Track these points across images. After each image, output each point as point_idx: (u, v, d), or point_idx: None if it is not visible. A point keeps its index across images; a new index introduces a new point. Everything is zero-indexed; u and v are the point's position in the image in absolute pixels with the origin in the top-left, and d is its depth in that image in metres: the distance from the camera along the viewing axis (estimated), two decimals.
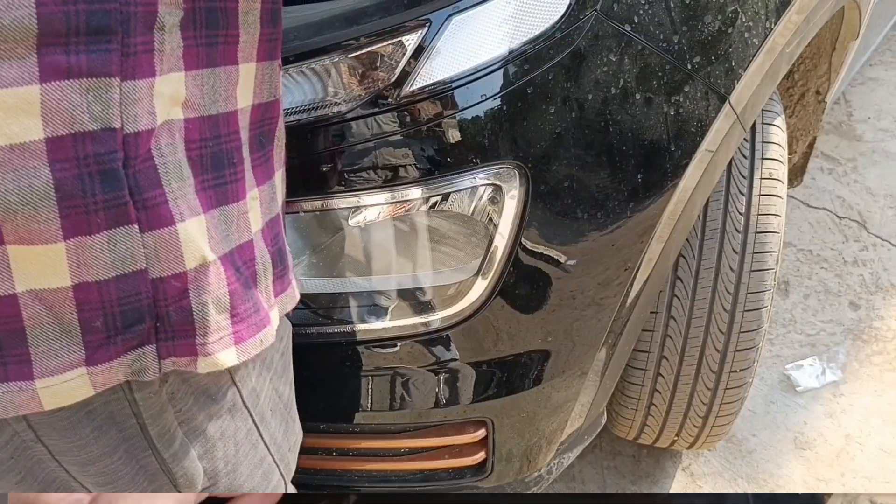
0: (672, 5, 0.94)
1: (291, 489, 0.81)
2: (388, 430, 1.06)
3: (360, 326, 0.98)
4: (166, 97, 0.52)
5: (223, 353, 0.57)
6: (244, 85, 0.60)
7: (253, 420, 0.69)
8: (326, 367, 1.01)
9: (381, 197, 0.88)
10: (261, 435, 0.70)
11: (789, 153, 1.81)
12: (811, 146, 1.79)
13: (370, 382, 1.01)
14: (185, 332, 0.55)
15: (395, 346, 0.98)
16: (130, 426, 0.59)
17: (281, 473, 0.76)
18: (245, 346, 0.59)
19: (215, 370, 0.57)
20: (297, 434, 0.80)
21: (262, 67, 0.62)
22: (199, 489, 0.66)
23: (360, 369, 1.00)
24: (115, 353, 0.54)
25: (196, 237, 0.54)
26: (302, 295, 0.99)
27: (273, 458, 0.74)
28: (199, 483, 0.65)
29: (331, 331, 0.98)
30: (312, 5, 0.88)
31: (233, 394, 0.65)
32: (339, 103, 0.84)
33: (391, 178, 0.86)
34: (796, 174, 1.86)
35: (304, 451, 1.09)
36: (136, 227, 0.51)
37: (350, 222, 0.93)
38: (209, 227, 0.56)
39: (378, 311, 0.98)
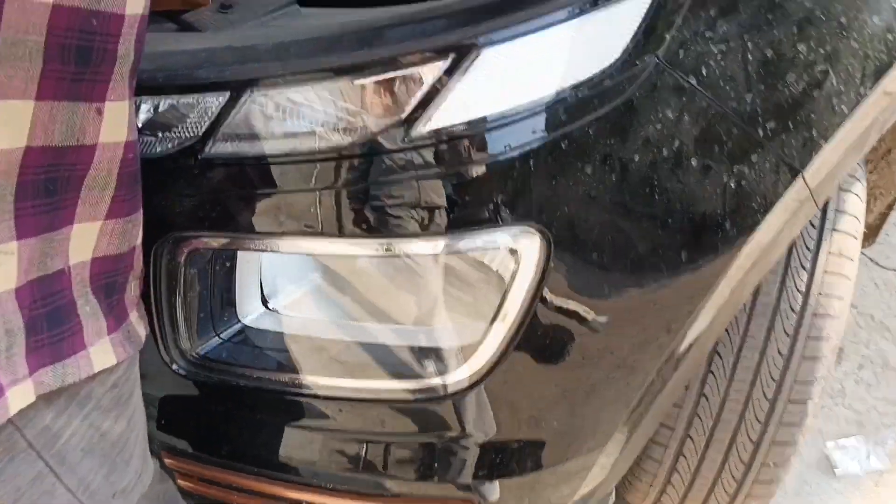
0: (750, 58, 0.80)
1: None
2: (368, 494, 0.94)
3: (347, 383, 0.86)
4: None
5: None
6: (5, 124, 0.53)
7: (46, 463, 0.62)
8: (309, 422, 0.89)
9: (378, 246, 0.76)
10: (59, 479, 0.64)
11: (865, 211, 1.64)
12: (891, 207, 1.61)
13: (354, 444, 0.89)
14: None
15: (388, 407, 0.87)
16: None
17: None
18: None
19: None
20: (130, 475, 0.71)
21: (47, 107, 0.55)
22: None
23: (344, 429, 0.88)
24: None
25: None
26: (286, 336, 0.89)
27: None
28: None
29: (314, 382, 0.86)
30: (325, 17, 0.76)
31: (8, 435, 0.59)
32: (339, 137, 0.71)
33: (391, 228, 0.74)
34: (869, 235, 1.69)
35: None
36: None
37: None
38: None
39: (373, 367, 0.86)
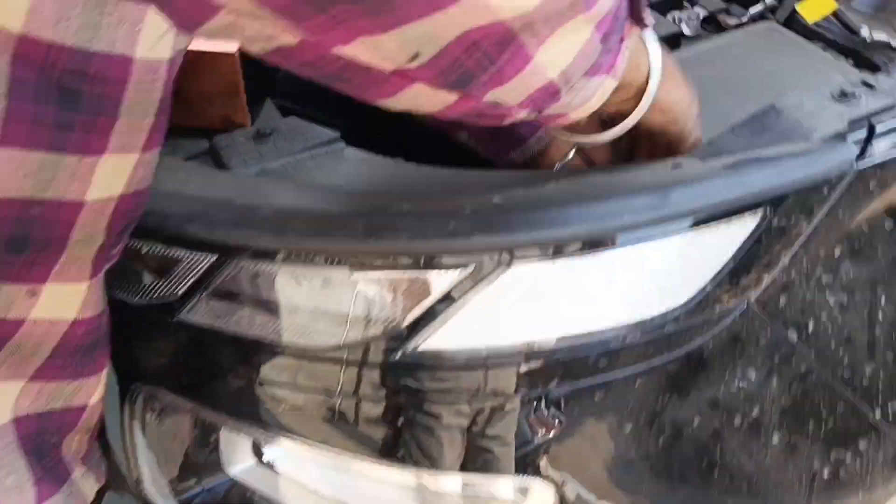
0: (880, 318, 0.60)
1: None
2: None
3: None
4: None
5: None
6: None
7: None
8: None
9: (368, 468, 0.64)
10: None
11: None
12: None
13: None
14: None
15: None
16: None
17: None
18: None
19: None
20: None
21: None
22: None
23: None
24: None
25: None
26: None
27: None
28: None
29: None
30: (364, 168, 0.65)
31: None
32: (324, 334, 0.59)
33: (376, 451, 0.61)
34: None
35: None
36: None
37: None
38: None
39: None
